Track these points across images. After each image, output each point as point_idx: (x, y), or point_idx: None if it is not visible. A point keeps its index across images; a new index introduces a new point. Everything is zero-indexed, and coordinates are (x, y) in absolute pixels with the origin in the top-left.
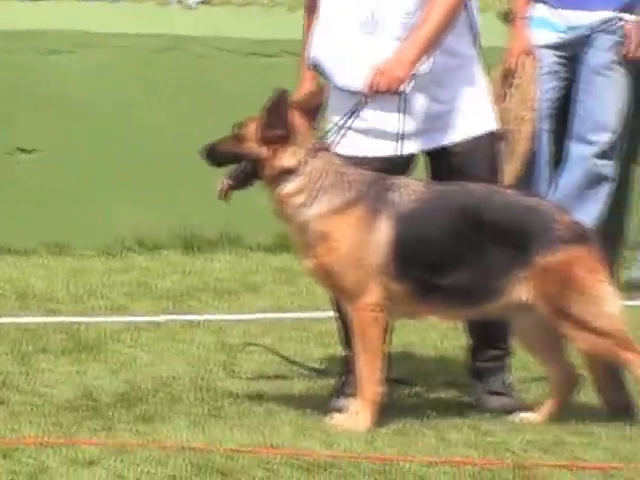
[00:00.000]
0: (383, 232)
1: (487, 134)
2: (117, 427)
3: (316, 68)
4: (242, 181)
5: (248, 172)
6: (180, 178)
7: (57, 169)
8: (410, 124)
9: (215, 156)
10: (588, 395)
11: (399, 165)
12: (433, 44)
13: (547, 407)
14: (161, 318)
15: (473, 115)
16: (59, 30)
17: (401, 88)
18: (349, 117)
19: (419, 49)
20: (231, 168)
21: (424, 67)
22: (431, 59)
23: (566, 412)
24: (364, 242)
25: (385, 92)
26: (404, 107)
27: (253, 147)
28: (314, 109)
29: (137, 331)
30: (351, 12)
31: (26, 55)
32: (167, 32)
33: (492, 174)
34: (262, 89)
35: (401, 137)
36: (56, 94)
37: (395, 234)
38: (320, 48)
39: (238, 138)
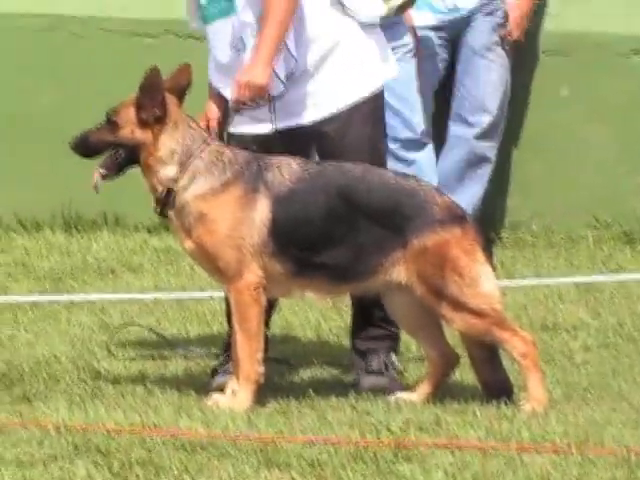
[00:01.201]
0: (260, 212)
1: (357, 111)
2: None
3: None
4: (118, 169)
5: (125, 159)
6: (61, 157)
7: None
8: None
9: (89, 147)
10: (466, 375)
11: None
12: (279, 40)
13: (425, 387)
14: (41, 298)
15: (332, 93)
16: None
17: (266, 95)
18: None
19: (268, 49)
20: (105, 157)
21: (277, 89)
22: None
23: (444, 392)
24: (242, 222)
25: (252, 101)
26: (274, 105)
27: (131, 133)
28: (182, 89)
29: (17, 311)
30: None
31: None
32: (49, 12)
33: (369, 155)
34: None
35: (273, 116)
36: None
37: (272, 213)
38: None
39: (113, 125)
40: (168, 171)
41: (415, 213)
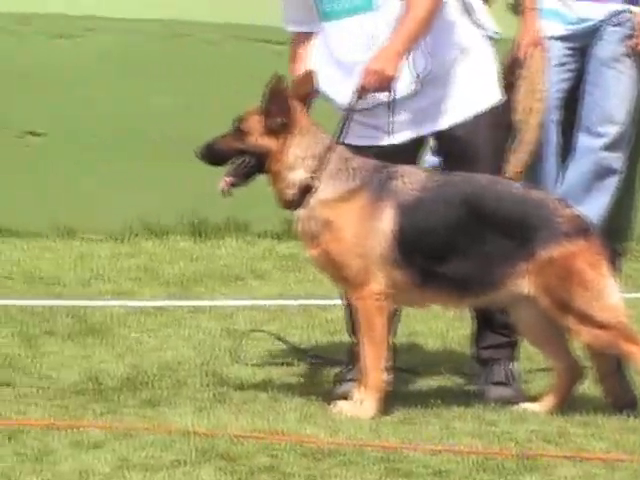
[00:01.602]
0: (386, 221)
1: (485, 116)
2: (122, 411)
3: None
4: (246, 176)
5: (252, 167)
6: (188, 164)
7: (66, 153)
8: (401, 115)
9: (216, 155)
10: (592, 387)
11: (397, 154)
12: (416, 38)
13: (551, 398)
14: (167, 303)
15: (465, 99)
16: (69, 14)
17: (392, 86)
18: (346, 120)
19: (403, 44)
20: (233, 164)
21: (408, 88)
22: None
23: (570, 404)
24: (367, 231)
25: (377, 91)
26: (394, 104)
27: (258, 140)
28: (306, 95)
29: (143, 316)
30: (351, 36)
31: (36, 38)
32: (176, 18)
33: (494, 158)
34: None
35: (392, 127)
36: (65, 78)
37: (398, 223)
38: (321, 76)
39: (240, 133)
40: (296, 176)
41: (542, 224)
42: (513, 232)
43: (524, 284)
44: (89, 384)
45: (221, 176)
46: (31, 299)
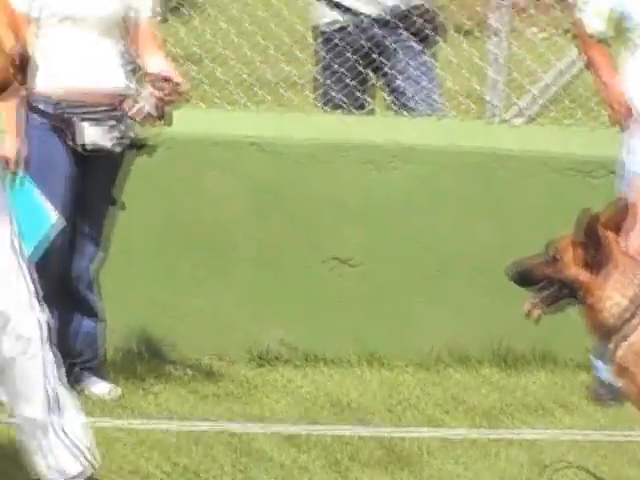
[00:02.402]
0: None
1: None
2: None
3: None
4: (555, 304)
5: (563, 295)
6: (494, 291)
7: (373, 280)
8: None
9: (528, 279)
10: None
11: None
12: None
13: None
14: (474, 432)
15: None
16: (381, 144)
17: None
18: None
19: None
20: (542, 290)
21: None
22: None
23: None
24: None
25: None
26: None
27: (571, 271)
28: (618, 226)
29: (451, 446)
30: None
31: (349, 167)
32: (488, 148)
33: None
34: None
35: None
36: (374, 206)
37: None
38: None
39: (553, 260)
40: (614, 308)
41: None
42: None
43: None
44: None
45: (527, 299)
46: (339, 427)
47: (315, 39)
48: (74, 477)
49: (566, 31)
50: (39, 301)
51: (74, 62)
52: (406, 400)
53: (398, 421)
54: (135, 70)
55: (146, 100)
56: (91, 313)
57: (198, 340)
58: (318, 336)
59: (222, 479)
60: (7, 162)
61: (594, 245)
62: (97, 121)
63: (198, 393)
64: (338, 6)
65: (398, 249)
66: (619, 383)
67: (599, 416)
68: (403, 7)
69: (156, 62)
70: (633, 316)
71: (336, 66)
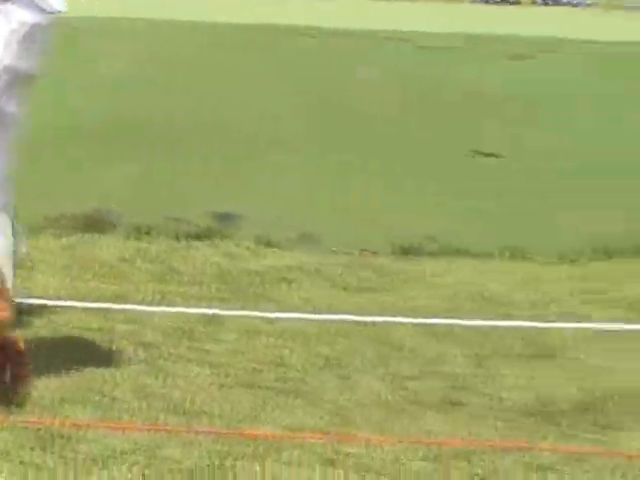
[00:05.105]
0: None
1: None
2: (572, 434)
3: None
4: None
5: None
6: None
7: (518, 173)
8: None
9: None
10: None
11: None
12: None
13: None
14: (618, 326)
15: None
16: (525, 36)
17: None
18: None
19: None
20: None
21: None
22: None
23: None
24: None
25: None
26: None
27: None
28: None
29: (595, 339)
30: None
31: (489, 59)
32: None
33: None
34: None
35: None
36: (518, 98)
37: None
38: None
39: None
40: None
41: None
42: None
43: None
44: (539, 406)
45: None
46: (482, 320)
47: None
48: None
49: None
50: None
51: None
52: (548, 293)
53: (540, 315)
54: None
55: None
56: None
57: (343, 232)
58: (461, 229)
59: (364, 369)
60: None
61: None
62: None
63: (340, 284)
64: None
65: (538, 141)
66: None
67: None
68: None
69: None
70: None
71: None
